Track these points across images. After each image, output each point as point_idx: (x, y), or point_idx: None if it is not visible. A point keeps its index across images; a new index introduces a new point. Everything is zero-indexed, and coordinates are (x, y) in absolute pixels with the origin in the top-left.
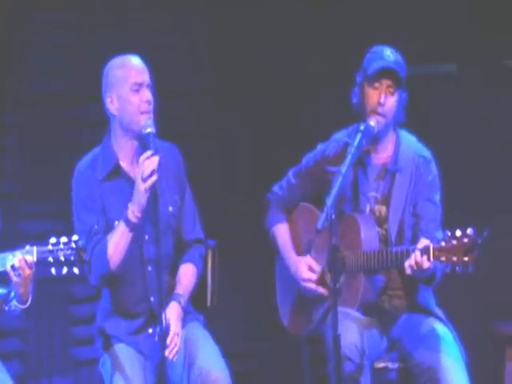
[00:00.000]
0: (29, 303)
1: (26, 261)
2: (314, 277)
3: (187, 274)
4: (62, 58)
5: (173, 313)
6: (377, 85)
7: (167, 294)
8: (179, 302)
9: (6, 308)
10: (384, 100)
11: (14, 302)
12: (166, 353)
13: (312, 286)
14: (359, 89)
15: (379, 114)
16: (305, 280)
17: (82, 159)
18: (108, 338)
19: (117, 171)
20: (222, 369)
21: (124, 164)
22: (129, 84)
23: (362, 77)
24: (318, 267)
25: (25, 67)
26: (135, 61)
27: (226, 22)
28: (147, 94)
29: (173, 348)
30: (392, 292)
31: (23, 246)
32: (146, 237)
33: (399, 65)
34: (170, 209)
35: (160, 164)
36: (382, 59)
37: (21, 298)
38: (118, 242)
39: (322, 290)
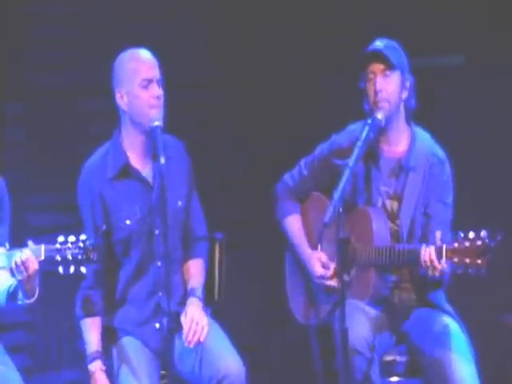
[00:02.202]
0: (35, 297)
1: (28, 259)
2: (327, 273)
3: (199, 268)
4: (66, 51)
5: (194, 307)
6: (371, 76)
7: (181, 289)
8: (197, 296)
9: (19, 302)
10: (380, 86)
11: (21, 296)
12: (183, 337)
13: (326, 282)
14: (365, 93)
15: (381, 102)
16: (318, 277)
17: (91, 158)
18: (113, 331)
19: (127, 170)
20: (234, 356)
21: (134, 161)
22: (138, 80)
23: (361, 78)
24: (331, 263)
25: (30, 60)
26: (145, 55)
27: (233, 12)
28: (156, 90)
29: (191, 338)
30: (402, 285)
31: (27, 241)
32: (156, 231)
33: (389, 47)
34: (179, 203)
35: (168, 158)
36: (371, 48)
37: (27, 292)
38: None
39: (335, 285)
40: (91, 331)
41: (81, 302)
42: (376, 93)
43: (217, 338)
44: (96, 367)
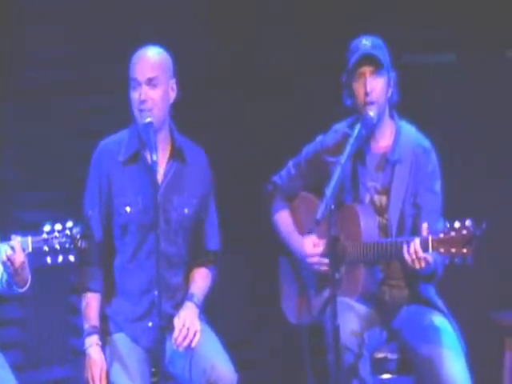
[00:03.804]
0: (27, 286)
1: (13, 253)
2: (318, 251)
3: (201, 275)
4: (64, 46)
5: (189, 312)
6: (360, 76)
7: (180, 293)
8: (193, 302)
9: (6, 286)
10: (370, 87)
11: (14, 286)
12: (173, 340)
13: (317, 260)
14: (348, 88)
15: (371, 103)
16: (310, 255)
17: (106, 139)
18: (107, 323)
19: (138, 158)
20: (226, 363)
21: (144, 152)
22: (130, 78)
23: (346, 76)
24: (321, 243)
25: (25, 56)
26: (145, 54)
27: (225, 12)
28: (143, 93)
29: (181, 341)
30: (393, 282)
31: (10, 237)
32: (158, 230)
33: (376, 47)
34: (186, 210)
35: (185, 164)
36: (359, 50)
37: (18, 283)
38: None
39: (326, 262)
40: (90, 306)
41: (81, 276)
42: (366, 94)
43: (209, 343)
44: (92, 342)
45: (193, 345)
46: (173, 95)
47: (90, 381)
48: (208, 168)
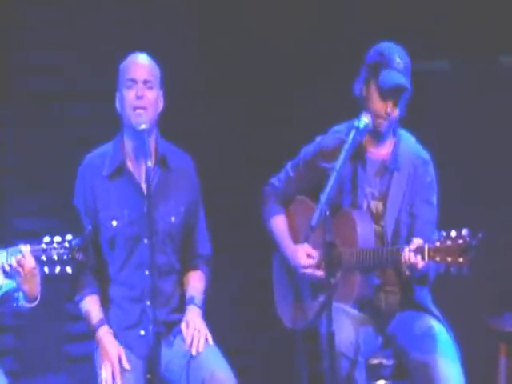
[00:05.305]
0: (37, 301)
1: (23, 258)
2: (312, 262)
3: (196, 277)
4: (58, 54)
5: (194, 316)
6: (383, 98)
7: (174, 299)
8: (195, 304)
9: (14, 304)
10: (390, 110)
11: (22, 300)
12: (187, 345)
13: (310, 271)
14: (364, 85)
15: (385, 119)
16: (304, 267)
17: (91, 152)
18: None
19: (122, 172)
20: (226, 370)
21: (131, 166)
22: (124, 80)
23: (368, 73)
24: (315, 254)
25: (19, 64)
26: (139, 58)
27: (220, 17)
28: (140, 90)
29: (196, 344)
30: (388, 288)
31: (16, 244)
32: (145, 241)
33: (407, 72)
34: (173, 219)
35: (170, 171)
36: (392, 68)
37: (27, 295)
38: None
39: (320, 274)
40: (92, 306)
41: (77, 285)
42: (387, 114)
43: (207, 350)
44: (104, 331)
45: (201, 348)
46: (160, 105)
47: (108, 367)
48: (194, 174)
